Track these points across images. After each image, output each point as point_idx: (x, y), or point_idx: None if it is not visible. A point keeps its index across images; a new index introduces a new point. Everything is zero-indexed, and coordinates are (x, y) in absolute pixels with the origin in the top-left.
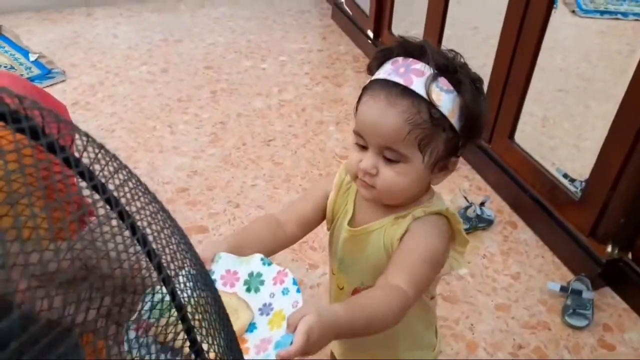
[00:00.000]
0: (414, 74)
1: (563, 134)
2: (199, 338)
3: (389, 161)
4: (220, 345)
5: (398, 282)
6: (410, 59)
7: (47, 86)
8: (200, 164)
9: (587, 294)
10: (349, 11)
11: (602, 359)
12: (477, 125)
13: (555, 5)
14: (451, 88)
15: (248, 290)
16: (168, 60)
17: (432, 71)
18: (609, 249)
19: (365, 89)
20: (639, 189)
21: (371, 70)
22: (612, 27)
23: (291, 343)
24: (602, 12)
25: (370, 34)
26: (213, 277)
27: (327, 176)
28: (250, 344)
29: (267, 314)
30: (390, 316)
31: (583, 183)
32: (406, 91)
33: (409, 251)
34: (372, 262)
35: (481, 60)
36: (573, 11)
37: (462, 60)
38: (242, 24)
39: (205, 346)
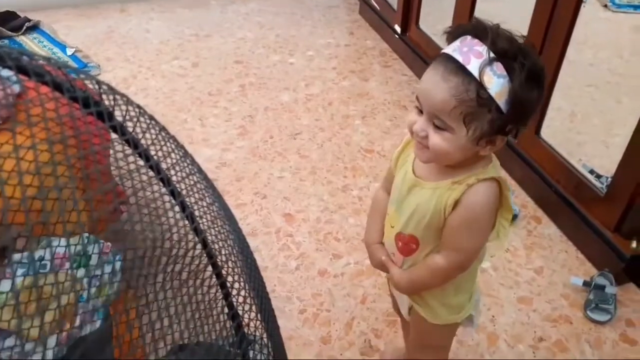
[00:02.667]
0: (473, 55)
1: (592, 129)
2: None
3: (437, 128)
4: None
5: (448, 255)
6: (476, 40)
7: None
8: (229, 156)
9: (610, 289)
10: (376, 6)
11: (624, 354)
12: (524, 112)
13: (584, 2)
14: (504, 73)
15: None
16: (199, 55)
17: (490, 55)
18: (634, 244)
19: (433, 59)
20: None
21: (447, 40)
22: None
23: None
24: (636, 7)
25: (398, 28)
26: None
27: (353, 169)
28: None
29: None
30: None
31: (609, 179)
32: (460, 69)
33: (456, 226)
34: (419, 213)
35: None
36: (605, 5)
37: (527, 47)
38: (271, 19)
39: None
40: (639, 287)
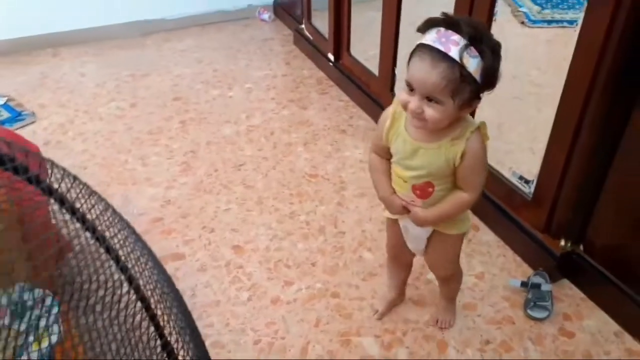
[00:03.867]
0: (451, 44)
1: (518, 138)
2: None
3: (430, 101)
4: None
5: (467, 192)
6: (450, 31)
7: (18, 128)
8: (173, 193)
9: (545, 287)
10: (309, 36)
11: (563, 346)
12: (494, 79)
13: (494, 17)
14: (477, 54)
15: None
16: (136, 95)
17: (464, 42)
18: (562, 243)
19: (415, 49)
20: (583, 186)
21: (421, 31)
22: (559, 35)
23: None
24: (549, 22)
25: (331, 57)
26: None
27: (299, 195)
28: None
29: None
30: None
31: (534, 182)
32: (444, 56)
33: (469, 168)
34: (430, 167)
35: None
36: (522, 22)
37: (486, 30)
38: (208, 54)
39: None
40: (572, 283)
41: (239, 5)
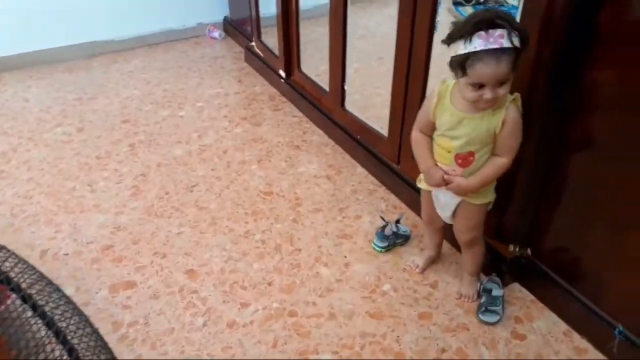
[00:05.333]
0: (499, 38)
1: None
2: None
3: (501, 84)
4: None
5: (506, 156)
6: (490, 30)
7: None
8: (123, 219)
9: (496, 292)
10: (260, 54)
11: (516, 349)
12: (528, 42)
13: (436, 28)
14: (515, 33)
15: None
16: (83, 119)
17: (506, 31)
18: (511, 248)
19: (471, 56)
20: (530, 190)
21: (453, 41)
22: None
23: None
24: None
25: (283, 73)
26: None
27: (253, 214)
28: None
29: None
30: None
31: None
32: (501, 50)
33: (509, 134)
34: (474, 135)
35: (388, 87)
36: None
37: (507, 14)
38: (157, 74)
39: None
40: (522, 286)
41: (189, 24)
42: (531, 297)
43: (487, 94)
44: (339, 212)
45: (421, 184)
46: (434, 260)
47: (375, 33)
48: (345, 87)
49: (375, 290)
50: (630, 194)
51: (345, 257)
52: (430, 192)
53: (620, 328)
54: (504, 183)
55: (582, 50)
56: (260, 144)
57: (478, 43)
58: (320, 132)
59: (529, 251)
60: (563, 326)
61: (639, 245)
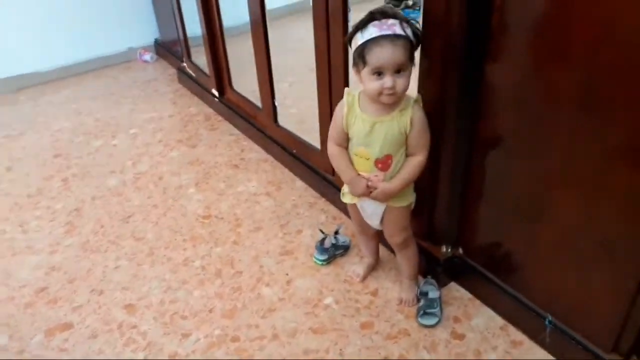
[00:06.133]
0: (393, 26)
1: None
2: None
3: (398, 73)
4: None
5: (420, 154)
6: (383, 19)
7: None
8: (57, 258)
9: (432, 294)
10: (192, 74)
11: (456, 349)
12: (420, 39)
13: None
14: (407, 25)
15: None
16: (12, 157)
17: (397, 20)
18: (443, 249)
19: (367, 45)
20: (452, 193)
21: (352, 36)
22: None
23: None
24: None
25: (216, 92)
26: None
27: (192, 239)
28: None
29: None
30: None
31: None
32: (396, 36)
33: (418, 132)
34: (388, 137)
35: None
36: None
37: (395, 9)
38: (88, 103)
39: None
40: (459, 285)
41: (119, 49)
42: (469, 295)
43: (387, 81)
44: (280, 229)
45: (345, 197)
46: (374, 267)
47: (310, 44)
48: (276, 103)
49: (318, 305)
50: (534, 186)
51: (287, 274)
52: (355, 204)
53: (550, 318)
54: (427, 185)
55: (482, 51)
56: (197, 166)
57: (373, 30)
58: (258, 148)
59: (460, 250)
60: (500, 321)
61: (551, 236)
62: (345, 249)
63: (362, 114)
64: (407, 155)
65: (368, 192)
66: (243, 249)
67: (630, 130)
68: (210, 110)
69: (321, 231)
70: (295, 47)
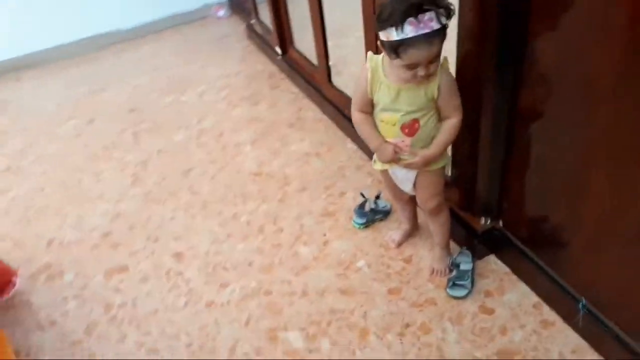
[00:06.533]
0: (429, 22)
1: None
2: None
3: (431, 63)
4: None
5: (453, 116)
6: (419, 15)
7: None
8: (123, 206)
9: (465, 266)
10: (259, 31)
11: (481, 324)
12: (453, 15)
13: None
14: (443, 11)
15: None
16: (94, 111)
17: (434, 14)
18: (482, 221)
19: (403, 43)
20: (493, 166)
21: (383, 28)
22: None
23: None
24: None
25: (279, 50)
26: None
27: (242, 196)
28: None
29: None
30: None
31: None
32: (435, 32)
33: (448, 95)
34: (415, 104)
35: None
36: None
37: None
38: (165, 60)
39: None
40: (498, 258)
41: (195, 6)
42: (506, 269)
43: (421, 71)
44: (325, 190)
45: (375, 164)
46: (411, 234)
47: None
48: (330, 63)
49: (350, 267)
50: (577, 159)
51: (325, 235)
52: (387, 170)
53: (584, 302)
54: (468, 155)
55: (521, 23)
56: (256, 124)
57: (409, 30)
58: (315, 107)
59: (500, 223)
60: (534, 299)
61: (593, 215)
62: (385, 214)
63: (386, 79)
64: (440, 120)
65: (396, 158)
66: (287, 208)
67: None
68: (274, 68)
69: (362, 195)
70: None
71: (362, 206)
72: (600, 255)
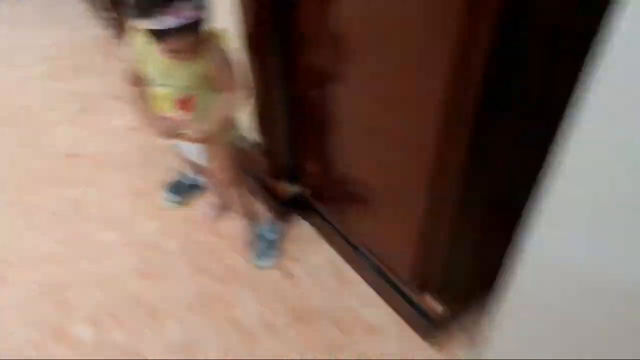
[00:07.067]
0: (187, 11)
1: None
2: None
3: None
4: None
5: (227, 91)
6: (166, 7)
7: None
8: None
9: (270, 235)
10: None
11: (283, 292)
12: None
13: None
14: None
15: None
16: None
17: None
18: (286, 186)
19: (164, 33)
20: (286, 133)
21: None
22: None
23: None
24: None
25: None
26: None
27: (49, 180)
28: None
29: None
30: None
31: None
32: (193, 22)
33: (220, 68)
34: (189, 81)
35: None
36: None
37: None
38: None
39: None
40: (306, 223)
41: None
42: (312, 233)
43: (176, 44)
44: (141, 168)
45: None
46: (225, 207)
47: None
48: None
49: (158, 249)
50: (345, 119)
51: (135, 216)
52: (173, 144)
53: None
54: (265, 124)
55: None
56: (79, 98)
57: (168, 20)
58: None
59: (302, 188)
60: (338, 259)
61: (354, 175)
62: (200, 189)
63: (156, 55)
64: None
65: (173, 132)
66: (98, 191)
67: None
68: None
69: (176, 171)
70: None
71: (177, 184)
72: (365, 212)
